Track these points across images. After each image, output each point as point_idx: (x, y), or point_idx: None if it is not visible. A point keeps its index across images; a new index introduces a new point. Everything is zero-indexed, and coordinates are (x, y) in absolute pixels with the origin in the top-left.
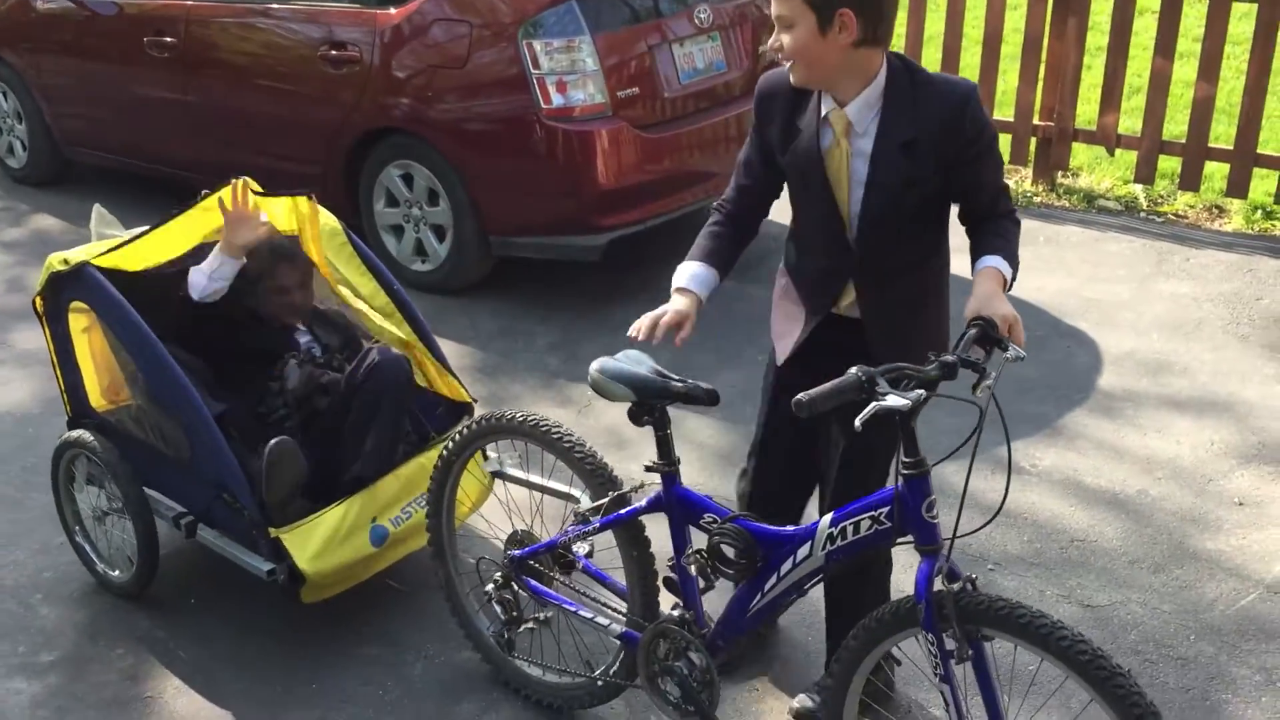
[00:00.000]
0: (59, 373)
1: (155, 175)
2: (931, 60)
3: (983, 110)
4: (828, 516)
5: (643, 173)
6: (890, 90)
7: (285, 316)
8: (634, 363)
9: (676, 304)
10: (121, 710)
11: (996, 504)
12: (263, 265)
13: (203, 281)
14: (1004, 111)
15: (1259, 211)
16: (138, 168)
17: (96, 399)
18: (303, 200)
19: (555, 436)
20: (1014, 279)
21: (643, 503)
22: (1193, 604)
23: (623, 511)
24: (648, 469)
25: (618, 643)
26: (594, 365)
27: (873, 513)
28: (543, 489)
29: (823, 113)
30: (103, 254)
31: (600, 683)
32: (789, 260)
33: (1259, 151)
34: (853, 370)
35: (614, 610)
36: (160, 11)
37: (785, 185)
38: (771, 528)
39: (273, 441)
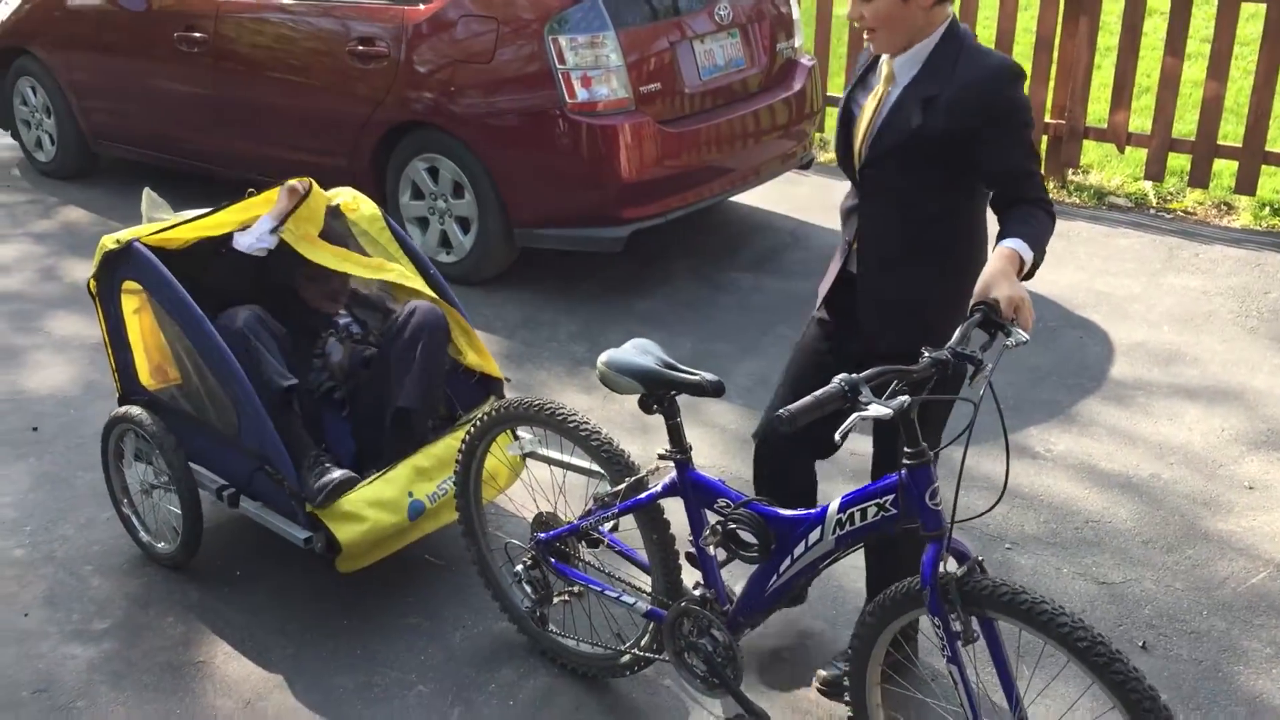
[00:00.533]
0: (110, 352)
1: (182, 168)
2: None
3: (1017, 92)
4: (835, 502)
5: (664, 166)
6: (936, 52)
7: (322, 302)
8: (641, 353)
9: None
10: (175, 675)
11: (1012, 487)
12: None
13: (248, 239)
14: None
15: (1267, 208)
16: (165, 161)
17: (146, 378)
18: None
19: (572, 424)
20: (1037, 263)
21: (658, 488)
22: (1205, 582)
23: (640, 496)
24: (661, 457)
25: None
26: (601, 358)
27: (879, 500)
28: (574, 467)
29: (881, 68)
30: (152, 234)
31: (628, 656)
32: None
33: (1267, 149)
34: (835, 380)
35: (639, 588)
36: (191, 7)
37: None
38: (783, 512)
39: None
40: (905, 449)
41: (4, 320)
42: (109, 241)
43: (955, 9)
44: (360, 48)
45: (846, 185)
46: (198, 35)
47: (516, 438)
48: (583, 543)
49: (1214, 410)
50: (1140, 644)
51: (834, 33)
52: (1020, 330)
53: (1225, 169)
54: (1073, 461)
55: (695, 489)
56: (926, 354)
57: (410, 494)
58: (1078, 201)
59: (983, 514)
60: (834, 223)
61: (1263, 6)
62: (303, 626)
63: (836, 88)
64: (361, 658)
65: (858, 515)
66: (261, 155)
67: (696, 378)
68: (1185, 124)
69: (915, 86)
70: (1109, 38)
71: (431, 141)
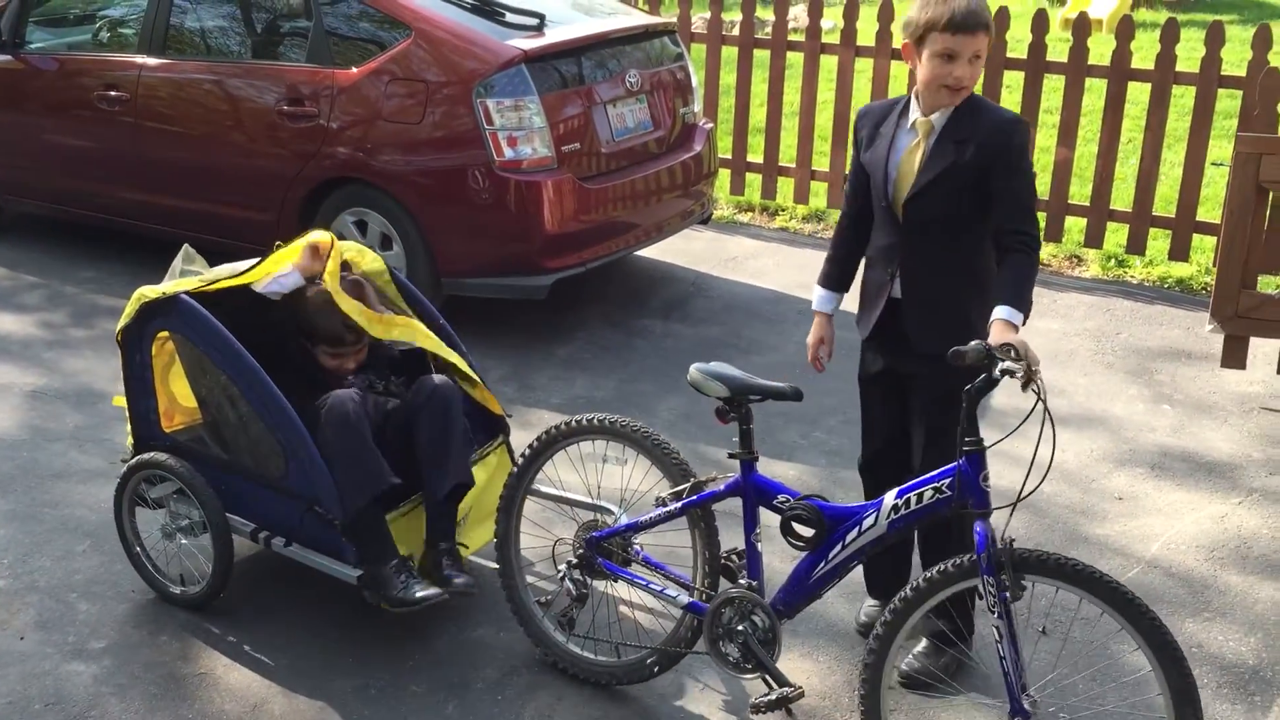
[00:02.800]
0: (129, 399)
1: (94, 223)
2: (823, 124)
3: (1025, 141)
4: (893, 490)
5: (583, 220)
6: (959, 109)
7: (339, 371)
8: (726, 368)
9: (813, 333)
10: (179, 685)
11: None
12: (324, 328)
13: (267, 284)
14: None
15: (1112, 260)
16: (77, 216)
17: (165, 423)
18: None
19: (639, 434)
20: (1027, 317)
21: (721, 487)
22: None
23: (704, 494)
24: (730, 456)
25: (675, 617)
26: (693, 367)
27: (936, 484)
28: (572, 502)
29: (910, 121)
30: (195, 288)
31: (652, 657)
32: (868, 251)
33: (1111, 208)
34: (974, 341)
35: (682, 584)
36: (111, 67)
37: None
38: (840, 505)
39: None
40: (965, 437)
41: None
42: (150, 293)
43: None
44: (288, 108)
45: (739, 240)
46: (117, 94)
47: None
48: (623, 551)
49: (1083, 434)
50: (1041, 629)
51: (720, 99)
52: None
53: (1074, 225)
54: None
55: (756, 488)
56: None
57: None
58: None
59: (1029, 494)
60: (730, 274)
61: (1103, 82)
62: (293, 640)
63: (725, 149)
64: (354, 665)
65: (914, 499)
66: (186, 210)
67: (779, 385)
68: (1040, 185)
69: (948, 133)
70: None
71: (360, 196)
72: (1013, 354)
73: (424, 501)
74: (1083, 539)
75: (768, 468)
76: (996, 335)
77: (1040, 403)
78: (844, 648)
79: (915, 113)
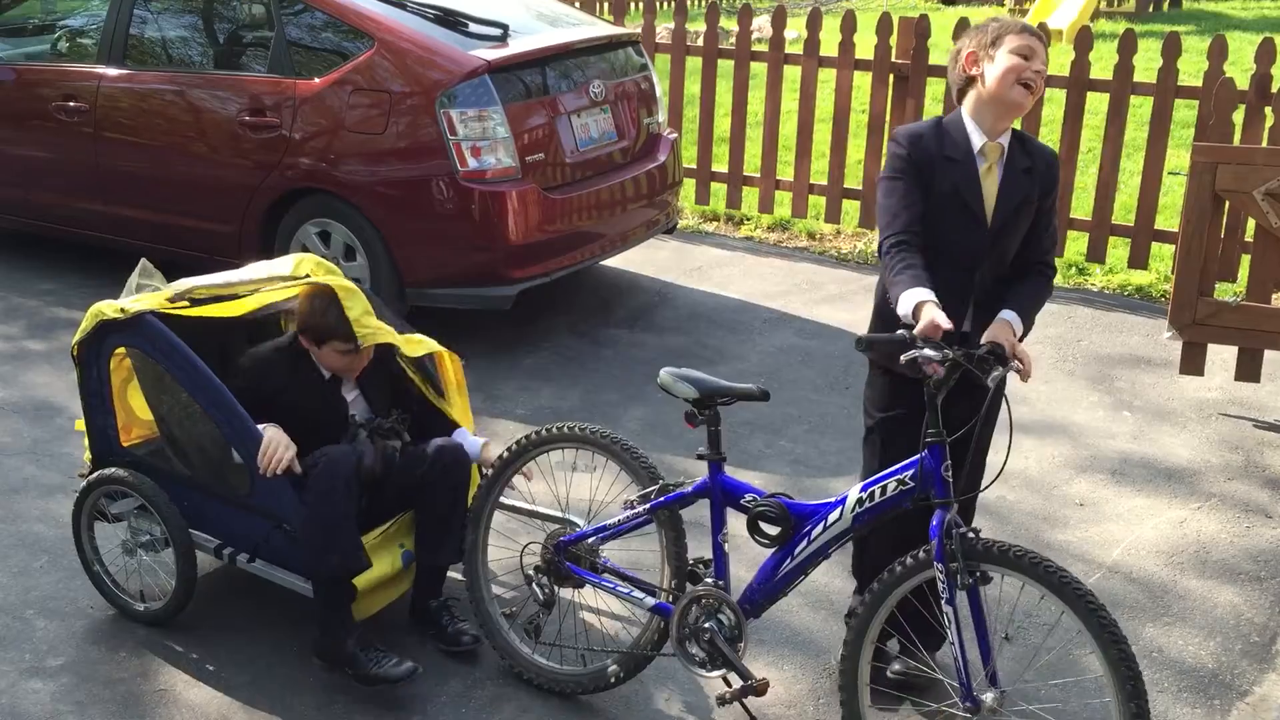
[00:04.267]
0: (87, 414)
1: (54, 234)
2: (788, 134)
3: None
4: (856, 488)
5: (548, 230)
6: (1011, 135)
7: (340, 371)
8: (696, 373)
9: (934, 312)
10: (138, 703)
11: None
12: (335, 325)
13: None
14: (852, 180)
15: (1072, 268)
16: (38, 228)
17: (124, 439)
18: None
19: (606, 440)
20: (1027, 329)
21: (688, 489)
22: None
23: (671, 495)
24: (699, 457)
25: (640, 622)
26: (663, 371)
27: (899, 477)
28: (537, 514)
29: (976, 146)
30: (163, 306)
31: (615, 665)
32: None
33: (1072, 216)
34: (900, 330)
35: (648, 586)
36: (69, 79)
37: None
38: (805, 503)
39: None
40: (927, 429)
41: None
42: (109, 310)
43: None
44: (250, 118)
45: (704, 249)
46: (76, 105)
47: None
48: (591, 555)
49: (1045, 441)
50: (1005, 635)
51: (685, 109)
52: (1018, 363)
53: None
54: None
55: (724, 489)
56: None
57: (401, 545)
58: None
59: (987, 486)
60: (695, 283)
61: (1063, 92)
62: (255, 656)
63: (690, 159)
64: (316, 682)
65: (878, 492)
66: (147, 222)
67: (746, 386)
68: None
69: (1013, 162)
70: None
71: (323, 207)
72: (995, 352)
73: (418, 560)
74: (1045, 545)
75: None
76: (990, 333)
77: (998, 394)
78: (809, 656)
79: (977, 136)
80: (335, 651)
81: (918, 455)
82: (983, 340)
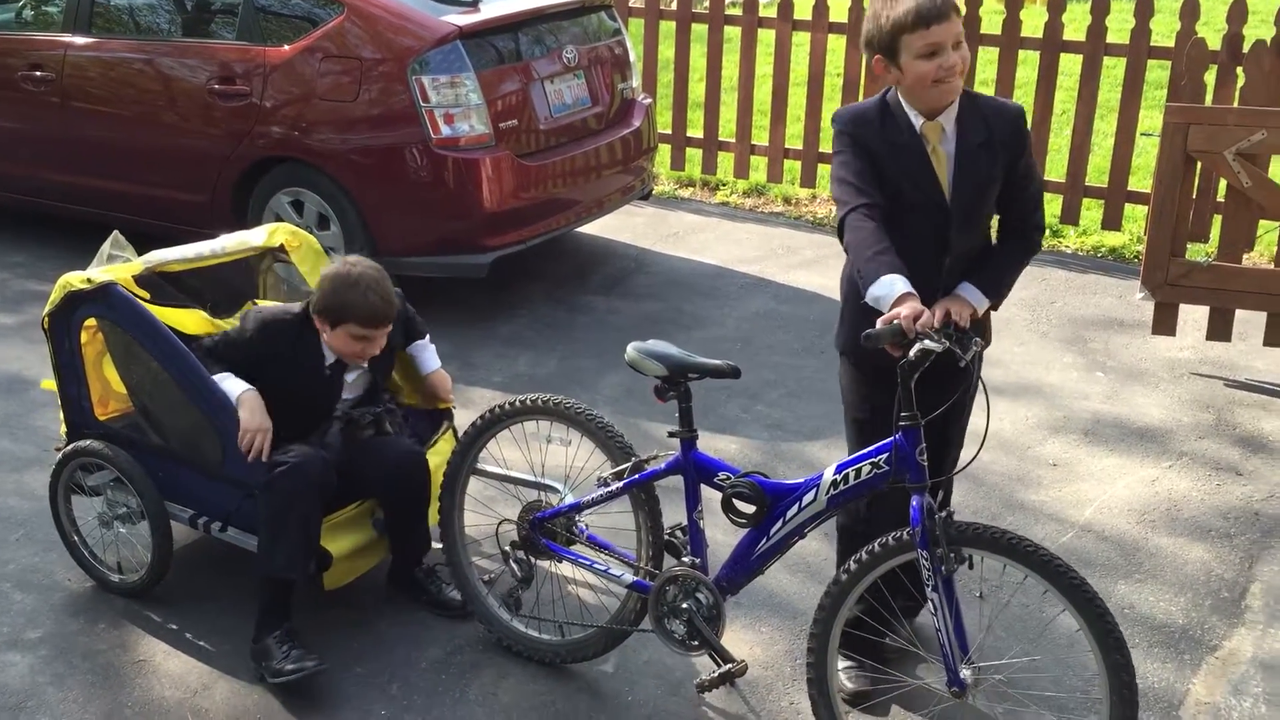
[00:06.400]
0: (60, 386)
1: (23, 206)
2: (762, 99)
3: (1026, 126)
4: (831, 468)
5: (522, 197)
6: (962, 105)
7: (348, 357)
8: (665, 345)
9: (915, 306)
10: (118, 673)
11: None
12: (359, 304)
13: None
14: (828, 145)
15: (1047, 231)
16: (7, 199)
17: (98, 410)
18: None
19: (580, 414)
20: (996, 300)
21: (662, 466)
22: None
23: (645, 473)
24: (671, 435)
25: (620, 595)
26: (630, 346)
27: (874, 459)
28: (518, 481)
29: (917, 127)
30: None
31: (597, 636)
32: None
33: (1046, 178)
34: (897, 320)
35: (625, 563)
36: (35, 47)
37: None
38: (780, 482)
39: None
40: (901, 413)
41: None
42: (76, 281)
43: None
44: (220, 86)
45: (680, 215)
46: (42, 74)
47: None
48: (567, 531)
49: (1019, 402)
50: (978, 593)
51: (659, 74)
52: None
53: None
54: None
55: (697, 466)
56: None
57: (373, 514)
58: None
59: (964, 467)
60: (671, 249)
61: (1036, 54)
62: (233, 625)
63: (665, 124)
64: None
65: (852, 475)
66: (116, 192)
67: (716, 363)
68: None
69: (965, 137)
70: None
71: (296, 176)
72: (946, 332)
73: (391, 551)
74: (1018, 505)
75: (710, 442)
76: (940, 307)
77: (977, 379)
78: (786, 618)
79: (916, 117)
80: (256, 653)
81: (892, 438)
82: (937, 310)
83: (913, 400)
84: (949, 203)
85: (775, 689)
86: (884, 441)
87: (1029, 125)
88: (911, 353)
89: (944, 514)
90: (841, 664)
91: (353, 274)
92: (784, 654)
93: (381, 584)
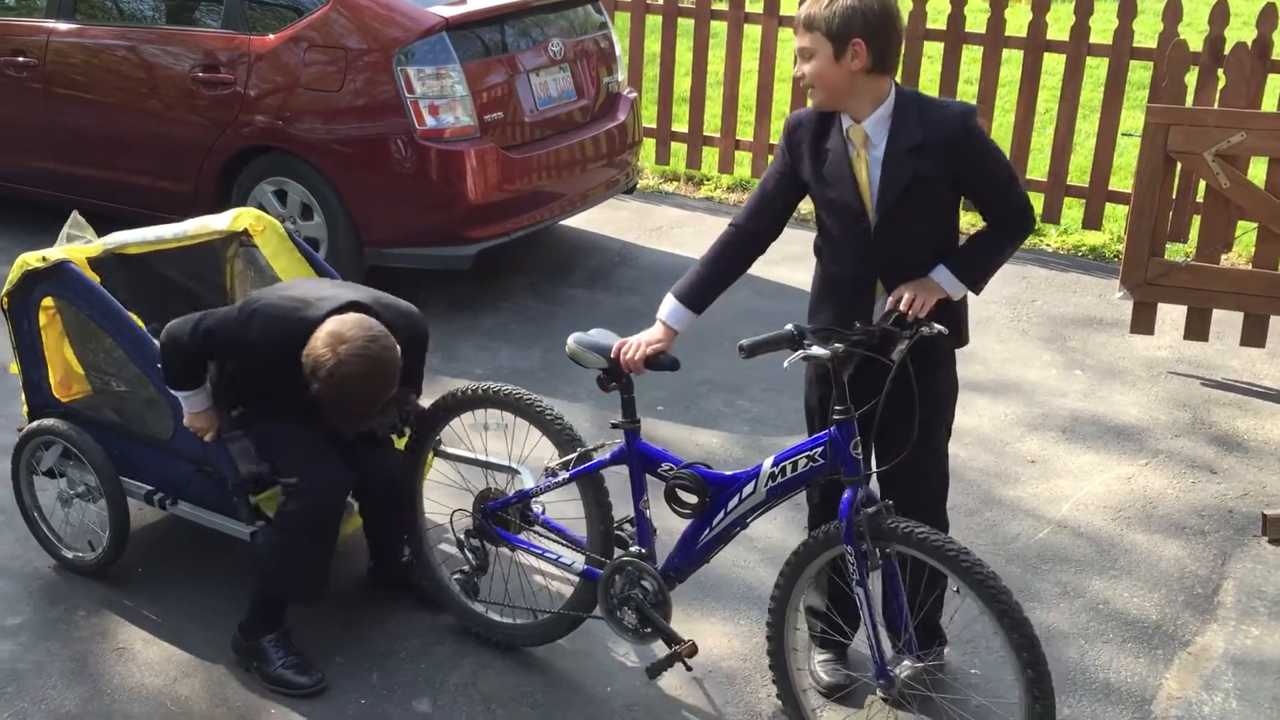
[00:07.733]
0: (21, 367)
1: (3, 193)
2: (748, 94)
3: (976, 124)
4: (769, 460)
5: (507, 190)
6: (898, 110)
7: (344, 429)
8: (605, 335)
9: (652, 334)
10: (98, 661)
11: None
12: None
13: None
14: None
15: (1032, 215)
16: None
17: (58, 391)
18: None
19: (527, 404)
20: (973, 285)
21: (606, 456)
22: (1001, 538)
23: (591, 463)
24: (614, 426)
25: (574, 582)
26: (570, 338)
27: (809, 452)
28: (483, 464)
29: (844, 130)
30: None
31: (557, 620)
32: (823, 275)
33: (1028, 177)
34: (788, 326)
35: (577, 551)
36: (17, 33)
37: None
38: (721, 472)
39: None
40: (835, 406)
41: None
42: (32, 260)
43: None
44: (204, 74)
45: (664, 209)
46: (25, 60)
47: None
48: (521, 521)
49: (998, 399)
50: (955, 589)
51: (645, 68)
52: (935, 325)
53: None
54: None
55: (641, 456)
56: (858, 325)
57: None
58: None
59: (894, 463)
60: (655, 243)
61: (1020, 53)
62: (213, 613)
63: (650, 118)
64: None
65: (789, 467)
66: (99, 180)
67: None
68: None
69: (895, 142)
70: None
71: (280, 166)
72: (897, 322)
73: (370, 551)
74: (996, 501)
75: (692, 436)
76: (896, 292)
77: (902, 370)
78: (764, 610)
79: (845, 119)
80: (255, 648)
81: (826, 430)
82: (891, 297)
83: (846, 394)
84: (872, 209)
85: (753, 680)
86: (820, 434)
87: (1014, 124)
88: (785, 363)
89: (873, 509)
90: (818, 656)
91: (364, 370)
92: (761, 646)
93: (362, 574)
